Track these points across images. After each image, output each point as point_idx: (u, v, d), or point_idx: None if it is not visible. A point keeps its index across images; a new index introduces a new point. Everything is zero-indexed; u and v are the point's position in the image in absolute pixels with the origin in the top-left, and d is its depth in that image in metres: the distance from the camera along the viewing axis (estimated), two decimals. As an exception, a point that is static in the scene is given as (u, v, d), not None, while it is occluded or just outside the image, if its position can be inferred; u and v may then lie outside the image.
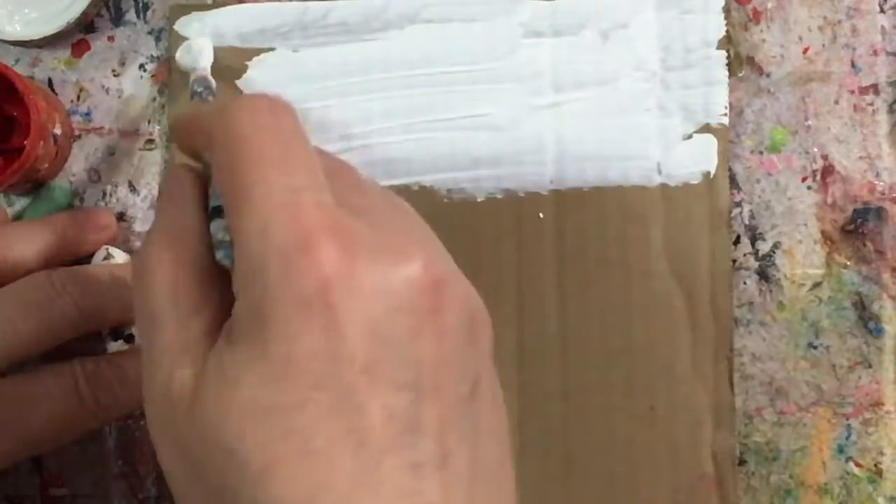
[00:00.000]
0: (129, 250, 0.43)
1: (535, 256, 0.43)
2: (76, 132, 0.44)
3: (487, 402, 0.27)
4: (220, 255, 0.27)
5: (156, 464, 0.41)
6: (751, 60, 0.43)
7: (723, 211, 0.43)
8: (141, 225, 0.44)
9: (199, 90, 0.37)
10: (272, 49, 0.43)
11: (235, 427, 0.24)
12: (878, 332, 0.43)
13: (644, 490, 0.42)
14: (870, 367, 0.43)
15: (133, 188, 0.44)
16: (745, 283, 0.43)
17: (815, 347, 0.43)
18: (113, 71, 0.44)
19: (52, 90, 0.44)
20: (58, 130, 0.42)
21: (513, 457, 0.28)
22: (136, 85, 0.44)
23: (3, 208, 0.44)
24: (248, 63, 0.43)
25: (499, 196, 0.43)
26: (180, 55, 0.41)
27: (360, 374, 0.24)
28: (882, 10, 0.43)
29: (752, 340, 0.43)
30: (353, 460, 0.24)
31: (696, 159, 0.43)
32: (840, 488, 0.43)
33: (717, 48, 0.43)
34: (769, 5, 0.43)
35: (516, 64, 0.43)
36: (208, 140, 0.27)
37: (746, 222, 0.43)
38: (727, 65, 0.43)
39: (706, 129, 0.43)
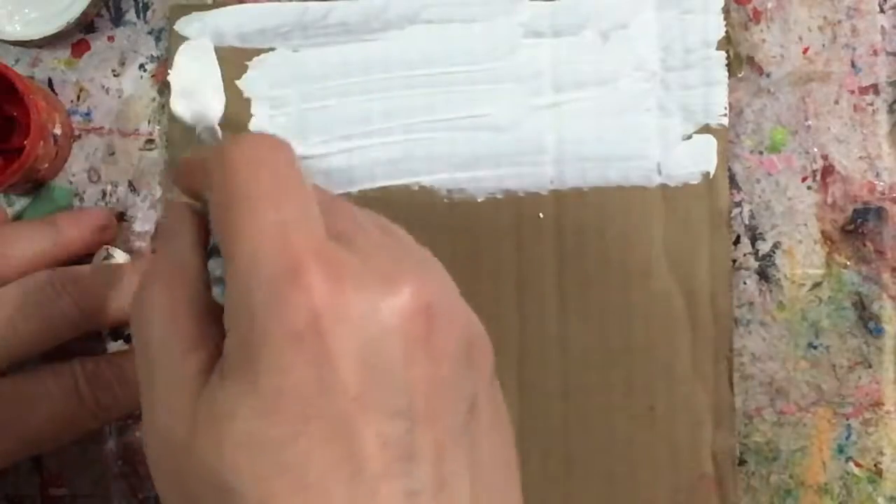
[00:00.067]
0: (129, 250, 0.43)
1: (535, 256, 0.43)
2: (76, 132, 0.44)
3: (487, 426, 0.27)
4: (216, 291, 0.27)
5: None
6: (751, 60, 0.43)
7: (723, 211, 0.43)
8: (141, 225, 0.44)
9: (205, 137, 0.37)
10: (272, 49, 0.43)
11: (231, 461, 0.24)
12: (878, 332, 0.43)
13: (644, 490, 0.42)
14: (870, 367, 0.43)
15: (133, 188, 0.44)
16: (745, 283, 0.43)
17: (815, 347, 0.43)
18: (113, 71, 0.44)
19: (52, 90, 0.44)
20: (58, 130, 0.42)
21: (519, 479, 0.28)
22: (136, 85, 0.44)
23: (3, 208, 0.44)
24: (248, 63, 0.43)
25: (499, 196, 0.43)
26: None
27: (353, 403, 0.24)
28: (882, 10, 0.43)
29: (752, 340, 0.43)
30: (348, 490, 0.24)
31: (695, 159, 0.43)
32: (840, 488, 0.43)
33: (717, 48, 0.43)
34: (769, 5, 0.43)
35: (516, 64, 0.43)
36: (207, 178, 0.28)
37: (746, 222, 0.43)
38: (727, 65, 0.43)
39: (706, 129, 0.43)
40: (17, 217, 0.44)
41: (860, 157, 0.43)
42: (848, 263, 0.43)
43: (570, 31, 0.43)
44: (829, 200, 0.43)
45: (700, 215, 0.43)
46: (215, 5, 0.44)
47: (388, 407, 0.24)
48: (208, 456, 0.24)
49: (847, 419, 0.43)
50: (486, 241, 0.43)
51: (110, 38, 0.44)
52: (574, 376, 0.42)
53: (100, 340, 0.43)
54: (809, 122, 0.43)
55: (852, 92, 0.43)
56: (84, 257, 0.42)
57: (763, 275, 0.43)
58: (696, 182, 0.43)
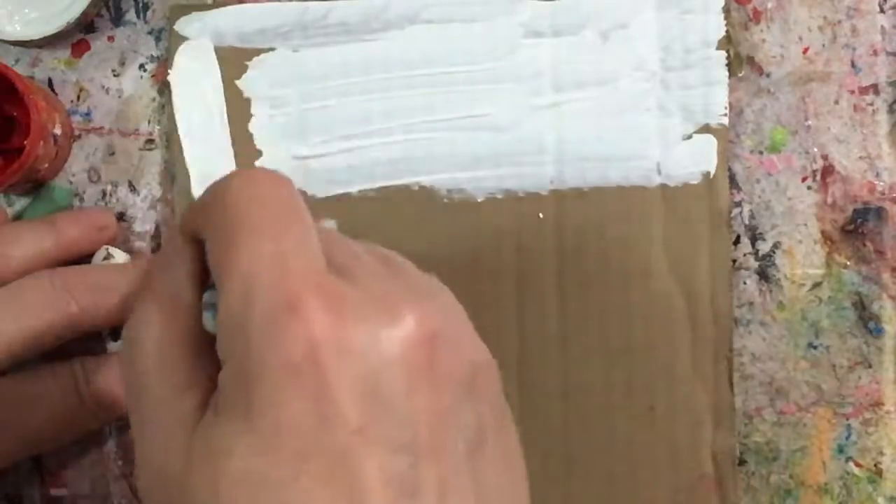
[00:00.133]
0: (129, 250, 0.43)
1: (535, 256, 0.43)
2: (76, 132, 0.44)
3: (494, 456, 0.26)
4: (206, 315, 0.27)
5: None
6: (751, 60, 0.43)
7: (723, 211, 0.43)
8: (141, 225, 0.44)
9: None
10: (272, 49, 0.43)
11: (228, 500, 0.23)
12: (878, 332, 0.43)
13: (644, 490, 0.42)
14: (870, 367, 0.43)
15: (133, 188, 0.44)
16: (745, 283, 0.43)
17: (815, 347, 0.43)
18: (113, 71, 0.44)
19: (52, 90, 0.44)
20: (58, 130, 0.42)
21: None
22: (136, 85, 0.44)
23: (3, 208, 0.44)
24: (248, 63, 0.43)
25: (499, 196, 0.43)
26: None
27: (353, 436, 0.23)
28: (882, 10, 0.43)
29: (752, 340, 0.43)
30: None
31: (695, 159, 0.43)
32: (840, 488, 0.43)
33: (717, 48, 0.43)
34: (769, 5, 0.43)
35: (516, 64, 0.43)
36: (205, 213, 0.27)
37: (746, 222, 0.43)
38: (727, 65, 0.43)
39: (706, 129, 0.43)
40: (17, 217, 0.44)
41: (860, 157, 0.43)
42: (848, 263, 0.43)
43: (570, 31, 0.43)
44: (829, 200, 0.43)
45: (700, 215, 0.43)
46: (215, 5, 0.44)
47: (390, 440, 0.24)
48: (203, 493, 0.24)
49: (847, 419, 0.43)
50: (486, 241, 0.43)
51: (110, 38, 0.44)
52: (574, 376, 0.42)
53: (100, 340, 0.43)
54: (809, 122, 0.43)
55: (852, 92, 0.43)
56: (84, 257, 0.42)
57: (763, 275, 0.43)
58: (696, 182, 0.43)
